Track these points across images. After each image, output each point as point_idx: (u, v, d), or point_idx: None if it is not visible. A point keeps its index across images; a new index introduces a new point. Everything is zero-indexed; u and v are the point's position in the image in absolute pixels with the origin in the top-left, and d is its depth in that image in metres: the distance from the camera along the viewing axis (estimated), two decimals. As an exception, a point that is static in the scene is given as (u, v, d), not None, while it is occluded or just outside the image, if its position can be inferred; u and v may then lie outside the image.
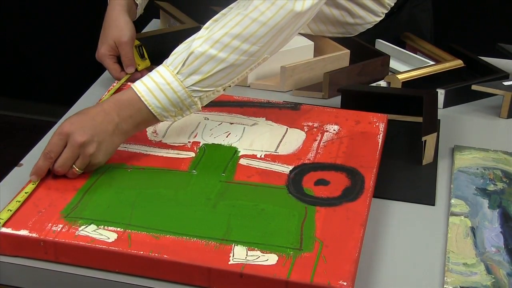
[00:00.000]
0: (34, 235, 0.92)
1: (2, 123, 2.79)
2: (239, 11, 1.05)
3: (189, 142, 1.13)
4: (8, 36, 2.71)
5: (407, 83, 1.32)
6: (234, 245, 0.91)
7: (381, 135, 1.14)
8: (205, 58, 1.04)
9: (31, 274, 0.93)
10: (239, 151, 1.11)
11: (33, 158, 1.08)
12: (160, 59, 1.09)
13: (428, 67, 1.36)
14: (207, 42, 1.04)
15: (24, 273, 0.93)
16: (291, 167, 1.07)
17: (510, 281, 0.91)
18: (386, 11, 1.44)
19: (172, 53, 1.07)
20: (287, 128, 1.17)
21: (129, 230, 0.93)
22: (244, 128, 1.17)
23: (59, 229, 0.93)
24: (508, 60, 1.45)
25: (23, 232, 0.92)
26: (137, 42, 1.31)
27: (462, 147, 1.18)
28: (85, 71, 1.78)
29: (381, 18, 1.44)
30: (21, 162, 1.12)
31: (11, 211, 0.95)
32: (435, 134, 1.14)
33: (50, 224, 0.93)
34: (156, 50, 1.32)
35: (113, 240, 0.91)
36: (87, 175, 1.04)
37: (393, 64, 1.42)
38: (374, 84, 1.33)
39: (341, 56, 1.39)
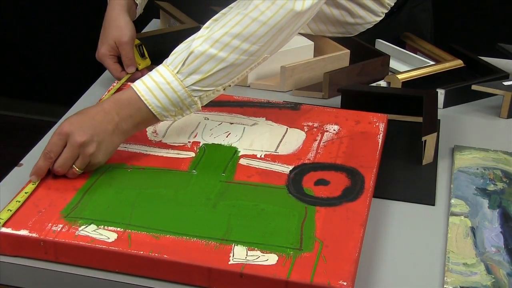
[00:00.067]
0: (34, 235, 0.92)
1: (2, 123, 2.79)
2: (239, 10, 1.05)
3: (189, 142, 1.13)
4: (8, 36, 2.71)
5: (407, 83, 1.32)
6: (234, 245, 0.91)
7: (381, 135, 1.14)
8: (205, 57, 1.04)
9: (31, 274, 0.93)
10: (239, 151, 1.10)
11: (33, 158, 1.08)
12: (160, 59, 1.09)
13: (428, 67, 1.36)
14: (207, 41, 1.04)
15: (24, 273, 0.93)
16: (291, 167, 1.07)
17: (510, 281, 0.91)
18: (386, 11, 1.44)
19: (172, 52, 1.07)
20: (287, 128, 1.17)
21: (129, 230, 0.93)
22: (244, 128, 1.17)
23: (59, 229, 0.93)
24: (508, 60, 1.45)
25: (23, 232, 0.92)
26: (137, 41, 1.31)
27: (462, 147, 1.18)
28: (85, 71, 1.78)
29: (381, 18, 1.44)
30: (21, 162, 1.12)
31: (11, 211, 0.95)
32: (435, 134, 1.14)
33: (50, 224, 0.93)
34: (156, 50, 1.32)
35: (113, 240, 0.91)
36: (87, 175, 1.04)
37: (393, 64, 1.42)
38: (374, 84, 1.33)
39: (341, 56, 1.39)
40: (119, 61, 1.30)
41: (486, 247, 0.96)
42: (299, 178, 1.04)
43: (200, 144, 1.12)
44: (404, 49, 1.46)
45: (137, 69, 1.30)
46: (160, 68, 1.06)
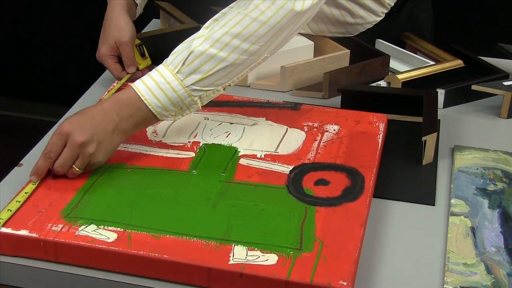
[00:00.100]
0: (34, 235, 0.92)
1: (2, 123, 2.79)
2: (239, 10, 1.05)
3: (189, 142, 1.13)
4: (8, 36, 2.71)
5: (407, 83, 1.32)
6: (234, 245, 0.91)
7: (381, 135, 1.14)
8: (205, 57, 1.04)
9: (31, 274, 0.93)
10: (239, 151, 1.10)
11: (33, 158, 1.08)
12: (160, 59, 1.09)
13: (428, 67, 1.36)
14: (207, 41, 1.04)
15: (24, 273, 0.93)
16: (291, 167, 1.07)
17: (510, 281, 0.91)
18: (386, 11, 1.44)
19: (172, 52, 1.07)
20: (287, 128, 1.17)
21: (129, 230, 0.93)
22: (244, 128, 1.17)
23: (59, 229, 0.93)
24: (508, 60, 1.45)
25: (23, 232, 0.92)
26: (137, 41, 1.31)
27: (462, 147, 1.18)
28: (85, 71, 1.78)
29: (381, 18, 1.44)
30: (21, 162, 1.12)
31: (11, 211, 0.95)
32: (435, 134, 1.14)
33: (50, 224, 0.93)
34: (156, 50, 1.32)
35: (113, 240, 0.91)
36: (87, 175, 1.04)
37: (393, 64, 1.42)
38: (374, 84, 1.33)
39: (341, 56, 1.39)
40: (120, 61, 1.30)
41: (486, 247, 0.96)
42: (299, 178, 1.04)
43: (200, 144, 1.12)
44: (404, 49, 1.46)
45: (137, 69, 1.30)
46: (160, 67, 1.06)
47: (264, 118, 1.19)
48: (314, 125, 1.17)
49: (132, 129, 1.06)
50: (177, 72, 1.05)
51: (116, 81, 1.28)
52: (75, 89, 1.44)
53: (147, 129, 1.14)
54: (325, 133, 1.15)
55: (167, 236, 0.92)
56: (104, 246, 0.90)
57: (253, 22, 1.03)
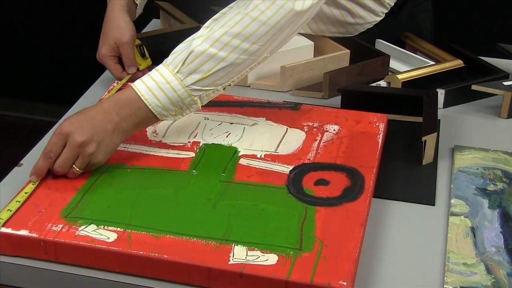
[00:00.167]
0: (34, 235, 0.92)
1: (2, 123, 2.79)
2: (239, 10, 1.05)
3: (189, 142, 1.13)
4: (8, 36, 2.71)
5: (407, 83, 1.32)
6: (234, 245, 0.91)
7: (381, 135, 1.14)
8: (205, 57, 1.04)
9: (31, 274, 0.93)
10: (239, 151, 1.10)
11: (33, 158, 1.08)
12: (160, 59, 1.09)
13: (428, 67, 1.36)
14: (207, 41, 1.04)
15: (24, 273, 0.93)
16: (291, 167, 1.07)
17: (510, 281, 0.91)
18: (386, 11, 1.44)
19: (172, 52, 1.07)
20: (287, 128, 1.17)
21: (129, 230, 0.93)
22: (244, 128, 1.17)
23: (59, 229, 0.93)
24: (508, 60, 1.45)
25: (23, 232, 0.92)
26: (137, 41, 1.31)
27: (462, 147, 1.18)
28: (85, 71, 1.78)
29: (381, 18, 1.44)
30: (21, 162, 1.12)
31: (11, 211, 0.95)
32: (435, 134, 1.14)
33: (50, 224, 0.93)
34: (156, 50, 1.32)
35: (113, 240, 0.91)
36: (87, 175, 1.04)
37: (393, 64, 1.42)
38: (374, 84, 1.33)
39: (341, 56, 1.39)
40: (120, 61, 1.30)
41: (486, 247, 0.96)
42: (299, 178, 1.04)
43: (200, 144, 1.12)
44: (404, 49, 1.46)
45: (138, 69, 1.30)
46: (160, 67, 1.06)
47: (264, 118, 1.19)
48: (314, 125, 1.17)
49: (132, 129, 1.06)
50: (177, 72, 1.05)
51: (116, 81, 1.28)
52: (75, 89, 1.44)
53: (147, 129, 1.14)
54: (325, 133, 1.15)
55: (167, 236, 0.92)
56: (104, 246, 0.90)
57: (253, 22, 1.03)
